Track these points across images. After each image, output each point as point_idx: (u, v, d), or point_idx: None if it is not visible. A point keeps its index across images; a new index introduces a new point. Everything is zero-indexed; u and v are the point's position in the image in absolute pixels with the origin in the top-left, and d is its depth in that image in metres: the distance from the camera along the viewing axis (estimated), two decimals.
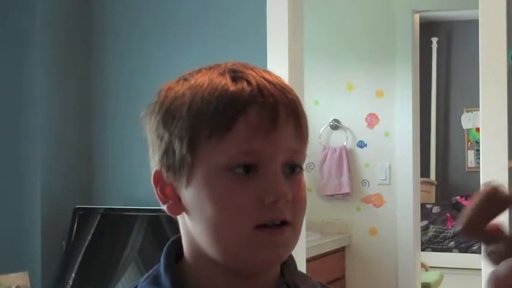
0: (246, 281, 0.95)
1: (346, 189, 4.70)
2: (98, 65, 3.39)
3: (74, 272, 3.07)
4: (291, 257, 1.00)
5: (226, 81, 0.92)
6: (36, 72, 3.16)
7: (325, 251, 4.40)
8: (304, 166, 0.97)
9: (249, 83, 0.92)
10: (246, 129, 0.90)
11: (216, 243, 0.92)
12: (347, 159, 4.72)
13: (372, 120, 4.69)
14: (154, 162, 0.96)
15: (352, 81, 4.72)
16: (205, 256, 0.93)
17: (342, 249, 4.66)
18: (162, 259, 0.97)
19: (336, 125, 4.79)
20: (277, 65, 3.05)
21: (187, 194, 0.93)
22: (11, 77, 3.19)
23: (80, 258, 3.08)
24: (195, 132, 0.91)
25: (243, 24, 3.16)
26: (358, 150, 4.73)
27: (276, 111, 0.91)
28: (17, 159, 3.17)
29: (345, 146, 4.73)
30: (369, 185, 4.68)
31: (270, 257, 0.92)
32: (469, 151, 7.39)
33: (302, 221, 0.95)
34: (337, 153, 4.73)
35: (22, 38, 3.18)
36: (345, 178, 4.70)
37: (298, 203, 0.93)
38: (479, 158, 2.99)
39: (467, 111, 7.29)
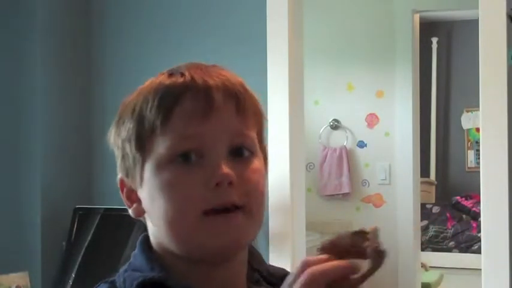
0: (215, 270, 0.95)
1: (346, 189, 4.70)
2: (97, 65, 3.40)
3: (74, 272, 3.07)
4: (256, 251, 1.02)
5: (162, 78, 0.97)
6: (36, 73, 3.16)
7: None
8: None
9: (182, 74, 0.95)
10: (182, 116, 0.92)
11: (171, 235, 0.93)
12: (347, 159, 4.72)
13: (372, 120, 4.69)
14: (118, 171, 1.01)
15: (352, 81, 4.72)
16: (170, 251, 0.95)
17: None
18: (140, 252, 0.99)
19: (336, 125, 4.79)
20: (277, 65, 3.05)
21: (143, 194, 0.96)
22: (11, 77, 3.19)
23: (80, 258, 3.08)
24: (140, 130, 0.94)
25: (243, 24, 3.16)
26: (358, 150, 4.74)
27: (209, 94, 0.93)
28: (17, 159, 3.17)
29: (345, 146, 4.73)
30: (368, 185, 4.69)
31: (223, 242, 0.92)
32: (469, 151, 7.39)
33: (260, 206, 0.95)
34: (337, 153, 4.73)
35: (22, 38, 3.18)
36: (344, 178, 4.70)
37: (249, 186, 0.93)
38: (479, 158, 2.99)
39: (467, 111, 7.29)
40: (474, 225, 6.54)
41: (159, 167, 0.93)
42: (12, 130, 3.19)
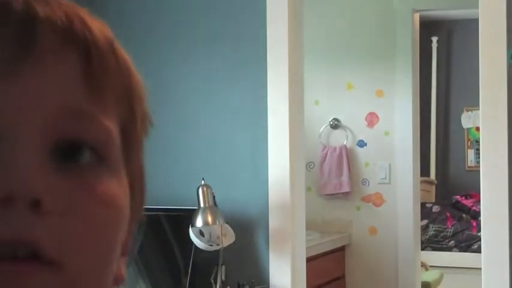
0: None
1: (346, 188, 4.70)
2: None
3: None
4: None
5: None
6: None
7: (325, 250, 4.40)
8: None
9: None
10: None
11: None
12: (347, 158, 4.72)
13: (372, 119, 4.69)
14: None
15: (352, 81, 4.72)
16: None
17: (342, 249, 4.66)
18: None
19: (336, 124, 4.79)
20: (277, 65, 3.05)
21: None
22: None
23: None
24: None
25: (244, 24, 3.16)
26: (358, 149, 4.74)
27: (30, 31, 0.49)
28: None
29: (345, 145, 4.74)
30: (368, 184, 4.69)
31: None
32: (469, 150, 7.39)
33: (97, 264, 0.50)
34: (337, 152, 4.74)
35: None
36: (345, 177, 4.70)
37: (80, 221, 0.48)
38: (479, 157, 2.99)
39: (467, 111, 7.29)
40: (474, 224, 6.54)
41: None
42: None
